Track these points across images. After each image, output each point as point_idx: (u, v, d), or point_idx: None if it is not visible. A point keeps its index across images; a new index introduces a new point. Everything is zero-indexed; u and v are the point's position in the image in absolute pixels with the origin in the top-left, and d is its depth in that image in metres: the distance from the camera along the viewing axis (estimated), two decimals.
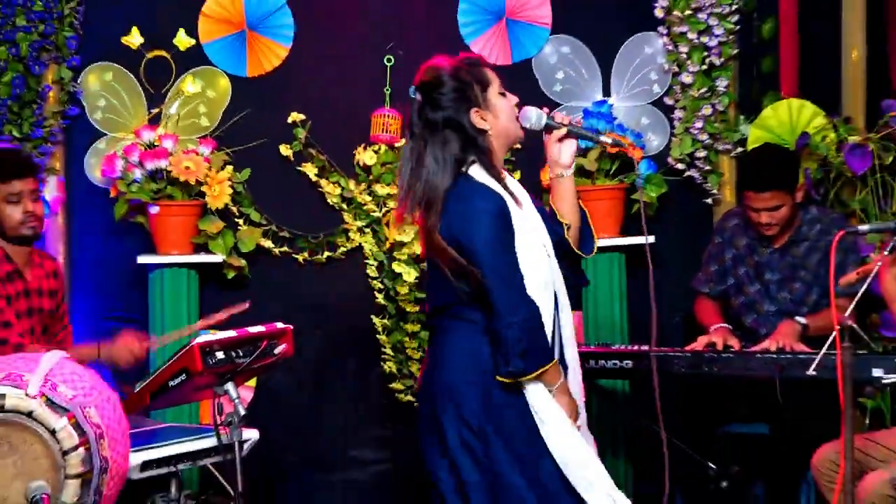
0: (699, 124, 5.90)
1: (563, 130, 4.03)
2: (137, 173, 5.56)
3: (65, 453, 3.41)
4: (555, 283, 3.97)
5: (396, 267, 5.83)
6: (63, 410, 3.44)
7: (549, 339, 3.90)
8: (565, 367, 3.99)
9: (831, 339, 3.90)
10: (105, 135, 5.82)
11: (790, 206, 5.24)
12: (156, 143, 5.61)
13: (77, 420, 3.45)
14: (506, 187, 3.94)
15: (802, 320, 5.09)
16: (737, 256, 5.46)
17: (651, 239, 5.83)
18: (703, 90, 5.91)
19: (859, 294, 4.34)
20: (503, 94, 4.02)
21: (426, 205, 3.90)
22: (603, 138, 4.15)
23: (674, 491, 5.50)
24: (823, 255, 5.25)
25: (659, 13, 5.95)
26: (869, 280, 4.22)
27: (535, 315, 3.84)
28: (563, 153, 4.05)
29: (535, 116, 4.03)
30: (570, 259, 4.12)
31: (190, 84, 5.82)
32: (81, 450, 3.43)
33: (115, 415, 3.60)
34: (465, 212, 3.86)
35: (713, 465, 4.97)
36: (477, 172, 3.94)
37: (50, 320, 4.95)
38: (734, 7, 5.91)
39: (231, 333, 4.04)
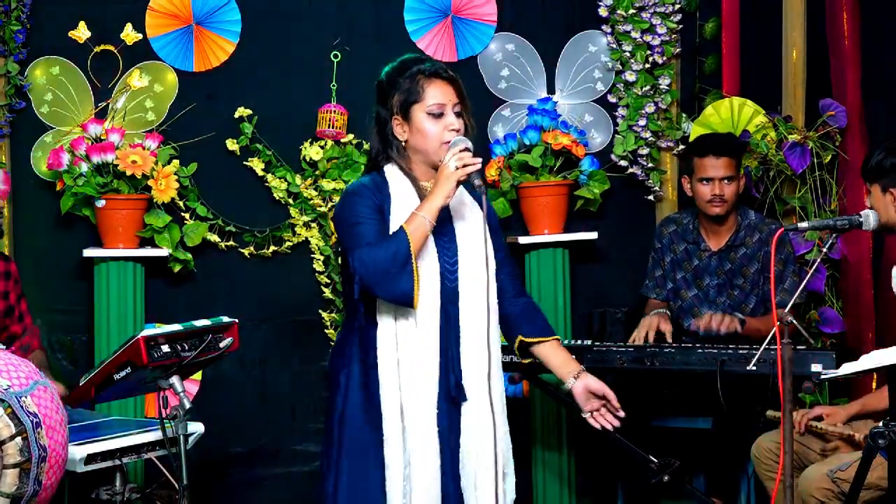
0: (642, 122, 5.96)
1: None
2: (84, 167, 5.55)
3: (1, 443, 3.42)
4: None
5: None
6: None
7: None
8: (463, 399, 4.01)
9: (771, 334, 3.96)
10: (51, 128, 5.81)
11: (737, 189, 5.33)
12: (102, 137, 5.61)
13: (14, 410, 3.44)
14: (421, 194, 3.97)
15: (740, 315, 5.16)
16: (674, 261, 5.52)
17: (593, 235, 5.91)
18: (646, 88, 5.96)
19: (799, 290, 4.42)
20: (437, 116, 3.92)
21: None
22: (476, 182, 3.87)
23: (616, 484, 5.58)
24: (763, 265, 5.32)
25: (603, 12, 6.00)
26: (807, 279, 4.30)
27: None
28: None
29: (449, 158, 3.84)
30: None
31: (137, 78, 5.81)
32: (19, 439, 3.43)
33: (52, 403, 3.60)
34: None
35: (654, 459, 5.01)
36: (390, 170, 4.02)
37: (7, 321, 4.90)
38: (677, 7, 5.98)
39: (177, 327, 4.04)
